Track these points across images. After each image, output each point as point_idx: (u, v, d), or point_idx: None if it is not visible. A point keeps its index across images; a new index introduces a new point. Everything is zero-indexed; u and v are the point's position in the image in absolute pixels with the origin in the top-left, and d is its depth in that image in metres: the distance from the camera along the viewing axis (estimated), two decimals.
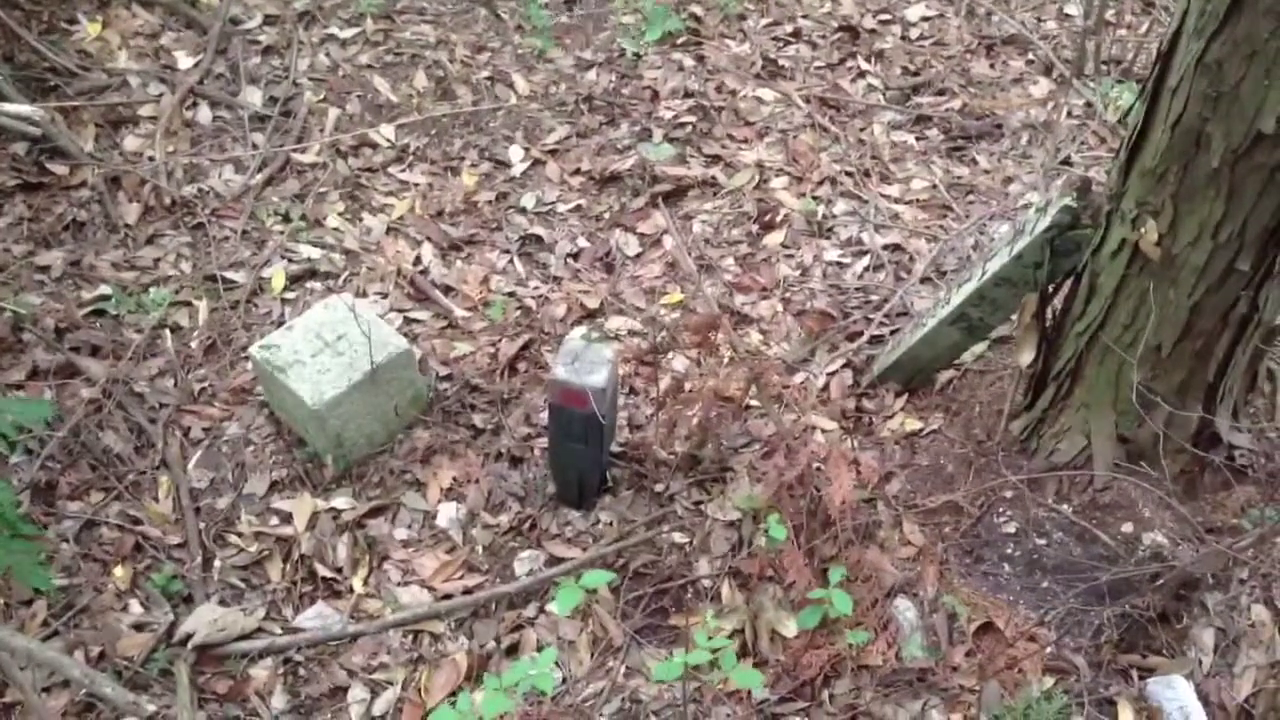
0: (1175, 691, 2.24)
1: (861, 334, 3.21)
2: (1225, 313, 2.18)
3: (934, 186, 3.72)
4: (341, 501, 2.85)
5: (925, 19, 4.50)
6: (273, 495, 2.86)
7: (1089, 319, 2.34)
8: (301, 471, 2.90)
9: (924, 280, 3.37)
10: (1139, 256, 2.17)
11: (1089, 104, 4.01)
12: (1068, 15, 4.54)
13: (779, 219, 3.59)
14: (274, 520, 2.82)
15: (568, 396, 2.52)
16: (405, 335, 3.12)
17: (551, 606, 2.66)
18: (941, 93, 4.14)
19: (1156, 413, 2.32)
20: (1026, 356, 2.48)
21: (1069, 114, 4.00)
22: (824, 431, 2.95)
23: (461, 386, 3.10)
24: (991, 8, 4.50)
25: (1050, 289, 2.47)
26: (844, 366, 3.13)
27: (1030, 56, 4.32)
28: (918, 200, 3.68)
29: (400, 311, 3.32)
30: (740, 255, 3.50)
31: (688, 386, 3.02)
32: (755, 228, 3.58)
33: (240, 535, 2.77)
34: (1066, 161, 3.80)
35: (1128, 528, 2.37)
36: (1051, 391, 2.50)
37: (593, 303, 3.34)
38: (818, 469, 2.52)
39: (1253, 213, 2.01)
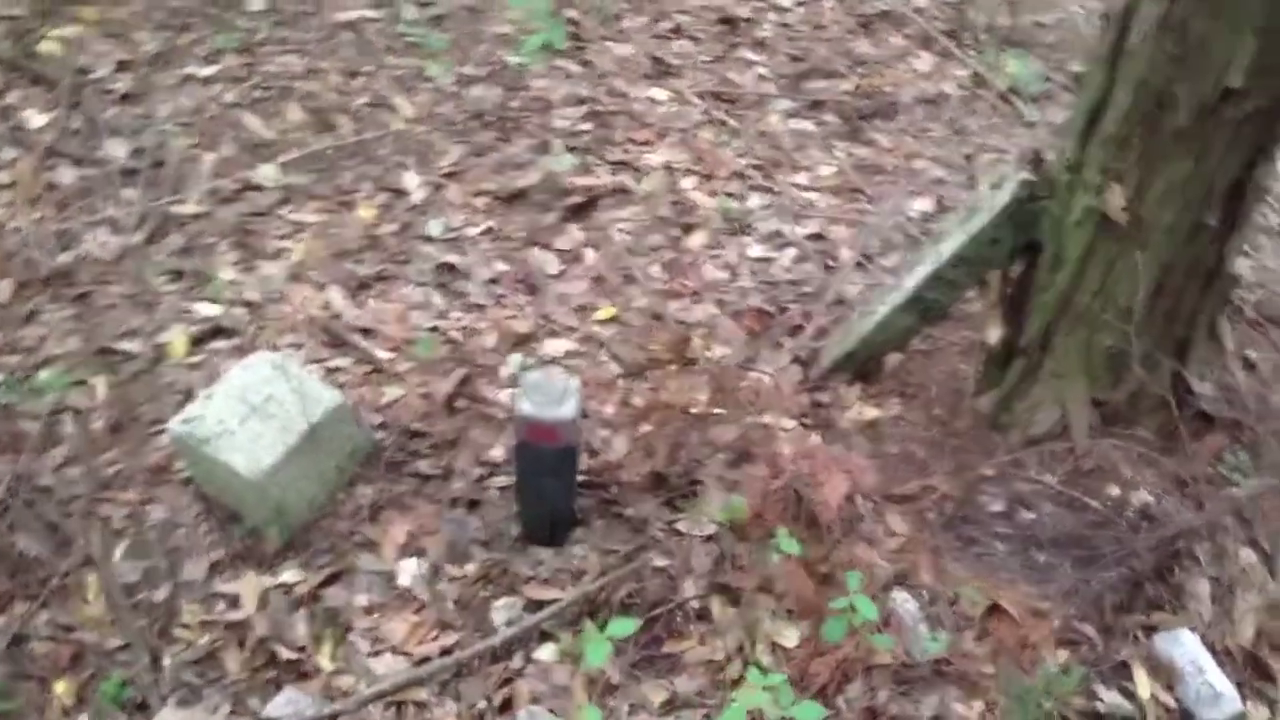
0: (1184, 646, 2.26)
1: (802, 328, 3.16)
2: (1193, 268, 2.20)
3: (841, 171, 3.71)
4: (291, 574, 2.64)
5: (800, 3, 4.50)
6: (214, 579, 2.63)
7: (1056, 289, 2.34)
8: (241, 548, 2.68)
9: (858, 264, 3.34)
10: (1106, 223, 2.17)
11: (976, 74, 4.07)
12: None
13: (697, 220, 3.52)
14: (221, 605, 2.59)
15: (536, 432, 2.38)
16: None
17: (539, 654, 2.52)
18: (830, 76, 4.14)
19: (1131, 374, 2.34)
20: (994, 333, 2.47)
21: (958, 86, 4.06)
22: (785, 431, 2.89)
23: (400, 434, 2.92)
24: None
25: (1012, 264, 2.46)
26: (791, 362, 3.08)
27: (908, 30, 4.36)
28: (828, 186, 3.66)
29: (318, 362, 3.11)
30: (665, 261, 3.41)
31: (640, 403, 2.94)
32: (675, 231, 3.50)
33: (187, 627, 2.54)
34: (961, 131, 3.85)
35: (1114, 491, 2.39)
36: (1021, 365, 2.49)
37: (523, 327, 3.20)
38: (798, 470, 2.46)
39: (1220, 167, 2.03)
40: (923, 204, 3.57)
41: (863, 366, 2.93)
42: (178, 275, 3.28)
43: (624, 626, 1.83)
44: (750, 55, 4.21)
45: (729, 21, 4.37)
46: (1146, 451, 2.39)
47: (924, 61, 4.18)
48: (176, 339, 3.10)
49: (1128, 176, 2.09)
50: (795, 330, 3.17)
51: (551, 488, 2.52)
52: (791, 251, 3.42)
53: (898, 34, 4.35)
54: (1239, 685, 2.25)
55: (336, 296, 3.28)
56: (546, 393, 2.41)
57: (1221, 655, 2.28)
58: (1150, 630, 2.33)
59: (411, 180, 3.66)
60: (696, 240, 3.46)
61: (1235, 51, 1.87)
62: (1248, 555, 2.39)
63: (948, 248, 2.47)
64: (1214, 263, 2.20)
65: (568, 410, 2.37)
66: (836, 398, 2.95)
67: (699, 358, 3.11)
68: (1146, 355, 2.31)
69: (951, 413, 2.73)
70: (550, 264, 3.41)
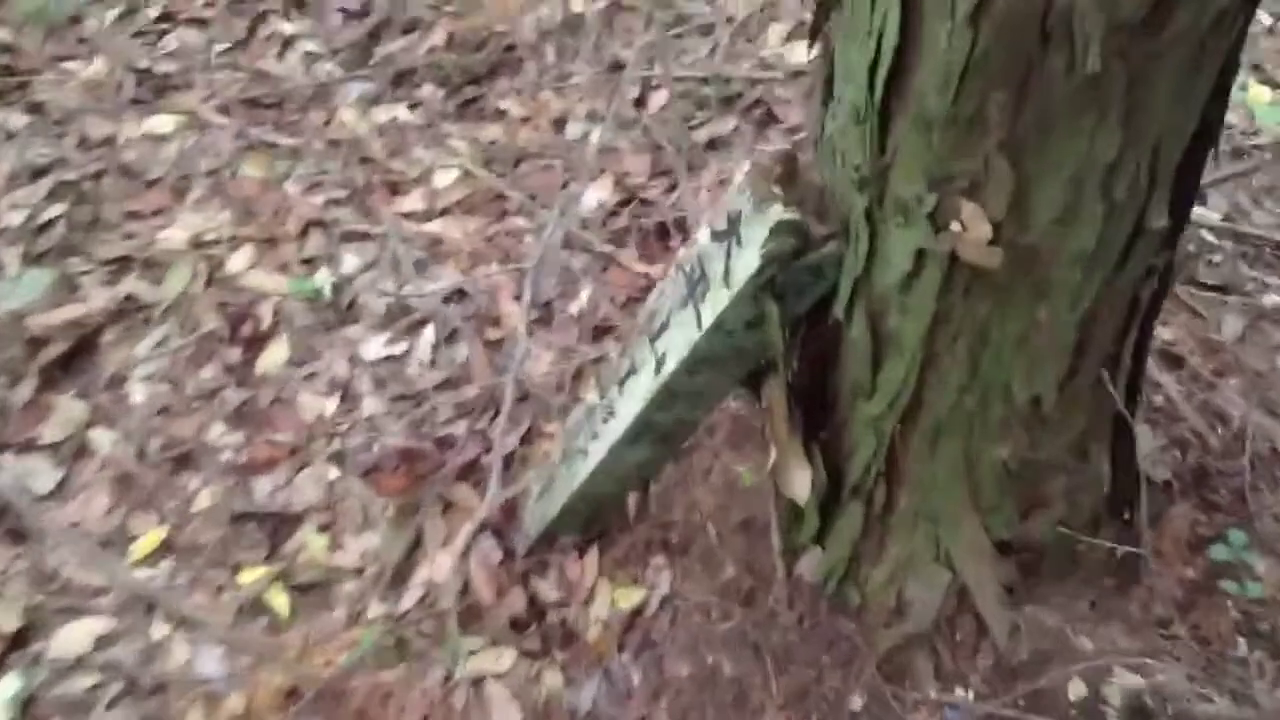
0: None
1: (477, 462, 1.95)
2: (1131, 303, 1.15)
3: (467, 174, 2.47)
4: None
5: None
6: None
7: (890, 392, 1.23)
8: None
9: (534, 324, 2.13)
10: (959, 271, 1.07)
11: None
12: None
13: (266, 323, 2.20)
14: None
15: None
16: None
17: None
18: (411, 28, 2.85)
19: (1053, 485, 1.29)
20: (802, 485, 1.33)
21: None
22: (499, 676, 1.70)
23: None
24: None
25: (793, 346, 1.33)
26: (479, 532, 1.86)
27: None
28: (456, 203, 2.42)
29: None
30: (232, 410, 2.08)
31: (243, 706, 1.68)
32: (236, 352, 2.17)
33: None
34: (619, 66, 2.69)
35: (1077, 689, 1.36)
36: (858, 513, 1.38)
37: (12, 618, 1.82)
38: None
39: (1169, 124, 0.96)
40: (599, 192, 2.40)
41: (592, 521, 1.77)
42: None
43: None
44: (286, 26, 2.84)
45: None
46: (1102, 599, 1.38)
47: None
48: None
49: (989, 183, 0.98)
50: (469, 470, 1.95)
51: None
52: (429, 332, 2.17)
53: None
54: None
55: None
56: None
57: None
58: None
59: None
60: (274, 357, 2.15)
61: None
62: None
63: (674, 347, 1.31)
64: (1161, 282, 1.16)
65: None
66: (564, 582, 1.78)
67: (323, 576, 1.86)
68: (1061, 462, 1.26)
69: (754, 573, 1.62)
70: (39, 477, 2.02)
